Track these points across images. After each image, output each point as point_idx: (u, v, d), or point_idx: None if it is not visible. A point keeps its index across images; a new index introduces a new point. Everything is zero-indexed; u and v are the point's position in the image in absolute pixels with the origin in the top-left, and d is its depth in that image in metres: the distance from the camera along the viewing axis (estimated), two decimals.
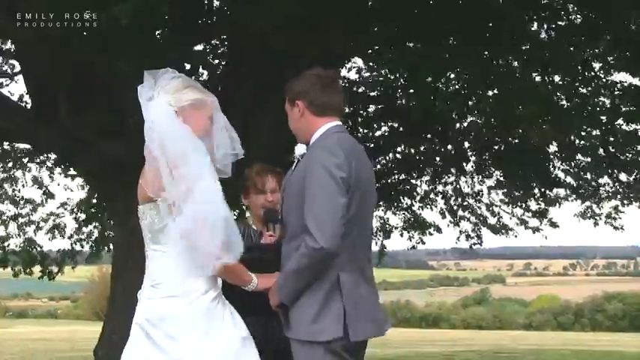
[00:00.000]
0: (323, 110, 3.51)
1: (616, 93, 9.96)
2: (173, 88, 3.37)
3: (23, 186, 13.55)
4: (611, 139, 10.82)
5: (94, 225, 14.12)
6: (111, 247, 13.84)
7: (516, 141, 11.21)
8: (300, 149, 3.54)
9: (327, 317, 3.33)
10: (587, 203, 12.27)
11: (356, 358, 3.51)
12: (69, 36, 6.49)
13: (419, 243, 13.06)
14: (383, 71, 10.87)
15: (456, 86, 10.76)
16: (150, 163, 3.34)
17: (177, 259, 3.31)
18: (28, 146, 12.28)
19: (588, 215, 12.34)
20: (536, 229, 12.53)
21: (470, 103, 10.90)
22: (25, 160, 13.13)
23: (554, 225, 12.46)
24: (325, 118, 3.51)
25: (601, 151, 11.08)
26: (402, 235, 13.09)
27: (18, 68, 10.13)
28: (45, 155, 12.72)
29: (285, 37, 7.24)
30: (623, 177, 11.40)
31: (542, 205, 12.34)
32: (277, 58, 7.52)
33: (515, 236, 12.81)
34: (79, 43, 6.63)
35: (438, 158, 12.12)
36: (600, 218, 12.26)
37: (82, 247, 14.04)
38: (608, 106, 10.26)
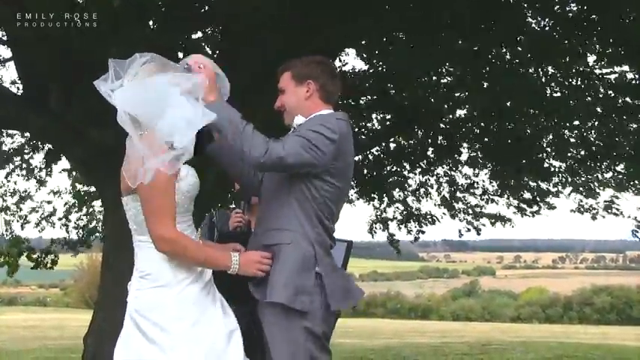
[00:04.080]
0: (329, 97, 3.60)
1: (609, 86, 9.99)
2: (147, 73, 3.29)
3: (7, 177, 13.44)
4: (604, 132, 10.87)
5: (84, 213, 14.09)
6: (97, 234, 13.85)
7: (509, 129, 11.17)
8: (299, 120, 3.56)
9: (305, 287, 3.38)
10: (582, 197, 12.26)
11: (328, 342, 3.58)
12: (65, 32, 6.42)
13: (419, 234, 13.04)
14: (374, 62, 10.83)
15: (448, 78, 10.73)
16: (131, 152, 3.28)
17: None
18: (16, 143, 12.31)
19: (583, 210, 12.35)
20: (536, 212, 12.47)
21: (462, 95, 10.87)
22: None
23: (551, 207, 12.40)
24: (328, 105, 3.59)
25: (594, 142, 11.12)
26: (399, 228, 13.08)
27: (9, 54, 10.05)
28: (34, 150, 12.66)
29: (284, 36, 7.23)
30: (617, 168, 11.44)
31: (536, 196, 12.33)
32: (272, 51, 7.49)
33: (512, 226, 12.82)
34: (75, 37, 6.58)
35: (430, 150, 12.11)
36: (597, 211, 12.25)
37: (78, 235, 13.97)
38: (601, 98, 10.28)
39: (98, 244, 14.01)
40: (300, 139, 3.34)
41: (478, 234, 13.04)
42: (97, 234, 13.89)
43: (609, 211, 12.21)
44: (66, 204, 14.03)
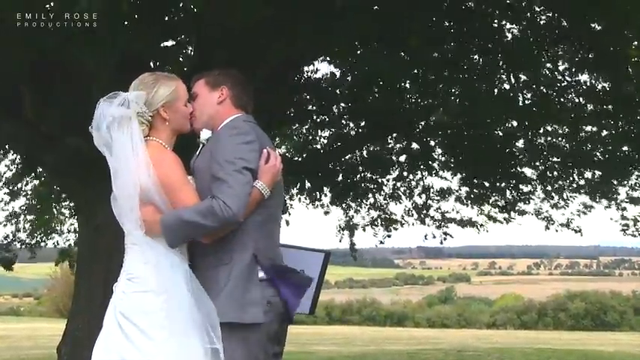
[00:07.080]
0: (241, 104, 3.66)
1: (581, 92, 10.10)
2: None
3: None
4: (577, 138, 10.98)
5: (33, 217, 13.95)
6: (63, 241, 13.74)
7: (482, 136, 11.22)
8: (205, 134, 3.63)
9: (252, 299, 3.32)
10: (548, 207, 12.35)
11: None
12: (37, 34, 6.37)
13: (386, 237, 13.05)
14: (347, 70, 10.86)
15: (420, 87, 10.77)
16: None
17: (151, 253, 3.31)
18: None
19: (542, 217, 12.43)
20: (507, 220, 12.53)
21: (434, 102, 10.93)
22: None
23: (521, 213, 12.46)
24: (239, 110, 3.63)
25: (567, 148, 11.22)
26: (364, 229, 13.05)
27: None
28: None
29: (258, 44, 7.26)
30: (588, 175, 11.54)
31: (509, 199, 12.38)
32: (244, 57, 7.50)
33: (487, 231, 12.85)
34: (47, 40, 6.52)
35: (404, 156, 12.15)
36: (557, 223, 12.35)
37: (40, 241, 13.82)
38: (574, 106, 10.39)
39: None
40: (233, 183, 3.28)
41: (441, 243, 13.07)
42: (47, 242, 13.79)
43: (579, 216, 12.28)
44: (23, 205, 13.86)
